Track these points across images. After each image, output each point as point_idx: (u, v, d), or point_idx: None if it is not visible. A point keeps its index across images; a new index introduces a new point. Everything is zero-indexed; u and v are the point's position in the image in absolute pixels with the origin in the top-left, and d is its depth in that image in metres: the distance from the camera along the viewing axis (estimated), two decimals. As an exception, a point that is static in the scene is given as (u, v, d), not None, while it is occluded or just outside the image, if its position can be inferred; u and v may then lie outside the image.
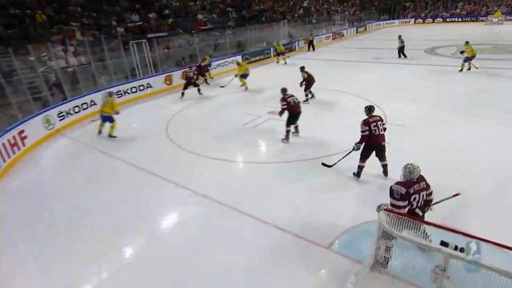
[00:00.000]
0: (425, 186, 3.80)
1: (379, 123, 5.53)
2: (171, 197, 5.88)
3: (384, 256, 3.59)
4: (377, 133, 5.49)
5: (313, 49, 21.94)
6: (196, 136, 8.50)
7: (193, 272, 4.10)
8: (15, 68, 8.85)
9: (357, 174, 5.87)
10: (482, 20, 31.69)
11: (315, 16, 28.29)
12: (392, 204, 3.69)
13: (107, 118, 8.49)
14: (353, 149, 5.71)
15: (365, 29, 32.14)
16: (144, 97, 12.60)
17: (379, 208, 3.60)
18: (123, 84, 12.15)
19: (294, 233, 4.62)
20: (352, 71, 15.03)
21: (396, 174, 4.21)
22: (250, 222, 4.95)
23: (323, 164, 6.20)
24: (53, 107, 9.39)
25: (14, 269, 4.41)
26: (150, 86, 13.01)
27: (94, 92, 10.90)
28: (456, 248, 2.99)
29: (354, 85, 12.06)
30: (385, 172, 5.81)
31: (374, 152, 5.70)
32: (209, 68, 15.06)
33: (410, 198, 3.65)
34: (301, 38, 23.38)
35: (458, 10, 35.58)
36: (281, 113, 7.56)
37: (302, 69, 10.40)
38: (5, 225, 5.36)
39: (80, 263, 4.35)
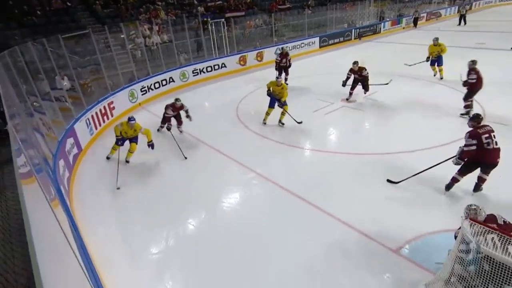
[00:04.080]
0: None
1: (492, 134, 4.51)
2: (235, 176, 6.10)
3: (465, 277, 3.24)
4: (491, 147, 4.47)
5: (465, 23, 21.59)
6: (261, 118, 8.56)
7: (254, 254, 4.25)
8: (109, 44, 9.91)
9: (447, 187, 5.04)
10: None
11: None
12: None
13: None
14: (455, 163, 4.75)
15: (470, 8, 28.34)
16: (218, 76, 13.10)
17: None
18: (200, 63, 12.76)
19: (360, 231, 4.44)
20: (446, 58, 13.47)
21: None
22: (315, 213, 4.89)
23: (389, 181, 5.43)
24: (137, 82, 10.36)
25: (97, 219, 5.09)
26: (225, 66, 13.44)
27: (173, 70, 11.72)
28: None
29: (446, 74, 10.79)
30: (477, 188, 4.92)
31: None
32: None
33: None
34: (388, 19, 21.68)
35: None
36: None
37: (473, 63, 7.31)
38: (93, 182, 6.21)
39: (148, 227, 4.85)
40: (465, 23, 21.53)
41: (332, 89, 10.22)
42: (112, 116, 8.98)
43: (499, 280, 2.92)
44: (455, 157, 4.71)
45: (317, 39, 17.03)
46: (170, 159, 6.82)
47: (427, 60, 10.67)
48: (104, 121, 8.58)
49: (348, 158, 6.37)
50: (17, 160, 3.16)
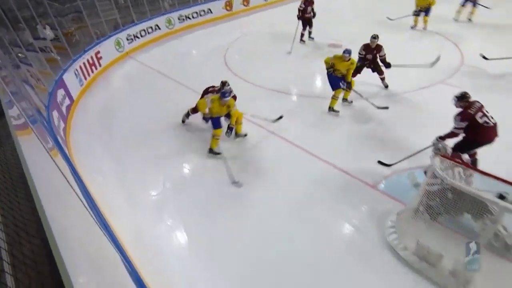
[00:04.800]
0: None
1: (484, 110, 3.92)
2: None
3: (432, 206, 3.47)
4: (490, 124, 3.86)
5: None
6: (251, 65, 8.34)
7: (244, 189, 4.42)
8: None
9: None
10: None
11: None
12: None
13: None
14: (433, 145, 4.09)
15: None
16: (205, 23, 12.31)
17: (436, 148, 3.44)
18: (185, 8, 11.86)
19: (340, 168, 4.62)
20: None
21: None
22: (297, 152, 5.03)
23: (380, 163, 4.69)
24: (122, 30, 9.69)
25: (95, 167, 5.12)
26: (211, 12, 12.59)
27: (158, 16, 10.93)
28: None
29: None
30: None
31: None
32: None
33: None
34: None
35: None
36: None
37: None
38: (88, 133, 6.12)
39: (146, 164, 4.93)
40: None
41: (321, 34, 9.81)
42: (100, 65, 8.55)
43: (459, 207, 3.17)
44: (436, 140, 4.11)
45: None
46: (161, 99, 6.71)
47: (413, 14, 9.45)
48: (92, 71, 8.18)
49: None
50: (9, 112, 3.05)
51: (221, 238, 3.79)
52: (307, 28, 9.31)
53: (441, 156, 3.30)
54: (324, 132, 5.60)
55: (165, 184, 4.72)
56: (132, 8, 10.28)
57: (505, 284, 3.04)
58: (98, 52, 8.48)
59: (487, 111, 3.95)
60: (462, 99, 4.02)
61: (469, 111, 3.92)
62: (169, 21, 11.28)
